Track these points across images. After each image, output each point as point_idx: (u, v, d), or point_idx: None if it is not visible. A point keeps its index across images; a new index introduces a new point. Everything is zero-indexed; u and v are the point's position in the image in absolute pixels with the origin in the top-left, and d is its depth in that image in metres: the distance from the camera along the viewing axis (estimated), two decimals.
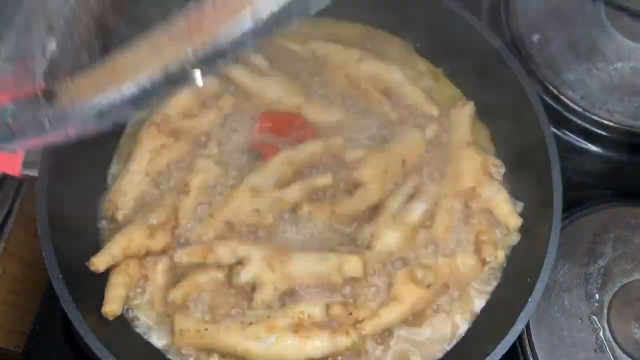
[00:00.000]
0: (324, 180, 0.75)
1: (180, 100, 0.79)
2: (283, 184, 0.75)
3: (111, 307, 0.69)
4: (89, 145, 0.75)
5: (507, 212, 0.75)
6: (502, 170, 0.77)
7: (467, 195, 0.76)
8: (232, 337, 0.68)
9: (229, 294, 0.72)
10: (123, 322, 0.71)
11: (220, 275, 0.72)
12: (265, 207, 0.74)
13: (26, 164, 0.71)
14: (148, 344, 0.71)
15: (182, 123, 0.78)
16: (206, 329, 0.69)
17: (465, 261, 0.74)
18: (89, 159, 0.76)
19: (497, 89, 0.78)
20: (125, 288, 0.70)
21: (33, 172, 0.69)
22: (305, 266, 0.71)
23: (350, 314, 0.70)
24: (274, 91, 0.79)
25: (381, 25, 0.86)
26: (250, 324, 0.69)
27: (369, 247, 0.72)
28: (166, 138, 0.77)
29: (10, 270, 0.78)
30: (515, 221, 0.74)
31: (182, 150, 0.78)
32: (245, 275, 0.70)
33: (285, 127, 0.78)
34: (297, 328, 0.68)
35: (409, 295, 0.71)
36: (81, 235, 0.73)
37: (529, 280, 0.68)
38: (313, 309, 0.69)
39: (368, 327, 0.69)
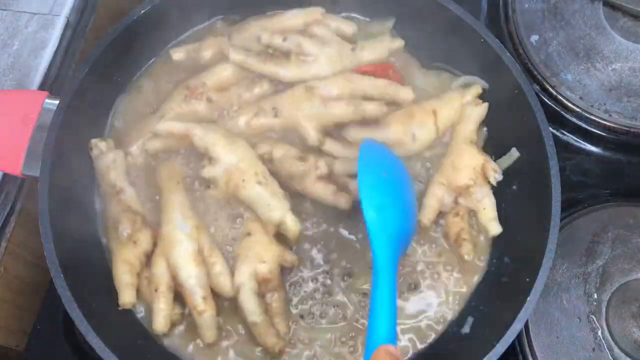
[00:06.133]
0: (376, 109, 0.76)
1: (222, 72, 0.79)
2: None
3: (125, 296, 0.69)
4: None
5: (491, 218, 0.75)
6: (499, 177, 0.77)
7: (460, 190, 0.76)
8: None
9: None
10: (125, 320, 0.72)
11: None
12: (311, 114, 0.76)
13: (27, 164, 0.71)
14: (150, 341, 0.71)
15: (215, 95, 0.78)
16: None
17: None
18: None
19: (496, 89, 0.78)
20: (129, 274, 0.70)
21: (34, 172, 0.69)
22: None
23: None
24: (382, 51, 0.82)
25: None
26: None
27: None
28: (196, 103, 0.77)
29: (11, 270, 0.78)
30: (496, 229, 0.75)
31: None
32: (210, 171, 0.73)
33: (382, 73, 0.80)
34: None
35: None
36: (83, 235, 0.73)
37: (527, 279, 0.68)
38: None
39: None
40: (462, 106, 0.79)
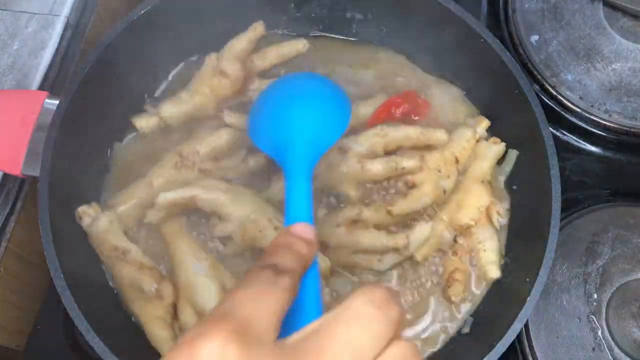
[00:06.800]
0: (412, 163, 0.74)
1: (216, 141, 0.75)
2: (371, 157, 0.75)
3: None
4: (91, 145, 0.76)
5: (492, 261, 0.74)
6: (504, 221, 0.76)
7: (460, 230, 0.75)
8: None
9: None
10: (125, 320, 0.72)
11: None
12: (348, 171, 0.74)
13: (27, 164, 0.71)
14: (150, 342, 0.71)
15: (209, 164, 0.75)
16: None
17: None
18: (91, 159, 0.76)
19: (496, 90, 0.78)
20: (165, 330, 0.70)
21: (34, 172, 0.69)
22: None
23: None
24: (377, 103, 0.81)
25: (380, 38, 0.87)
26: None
27: None
28: (186, 172, 0.74)
29: (11, 270, 0.78)
30: (495, 273, 0.73)
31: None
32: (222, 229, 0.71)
33: (412, 101, 0.80)
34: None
35: None
36: (83, 235, 0.73)
37: (527, 279, 0.68)
38: None
39: None
40: (477, 143, 0.78)
